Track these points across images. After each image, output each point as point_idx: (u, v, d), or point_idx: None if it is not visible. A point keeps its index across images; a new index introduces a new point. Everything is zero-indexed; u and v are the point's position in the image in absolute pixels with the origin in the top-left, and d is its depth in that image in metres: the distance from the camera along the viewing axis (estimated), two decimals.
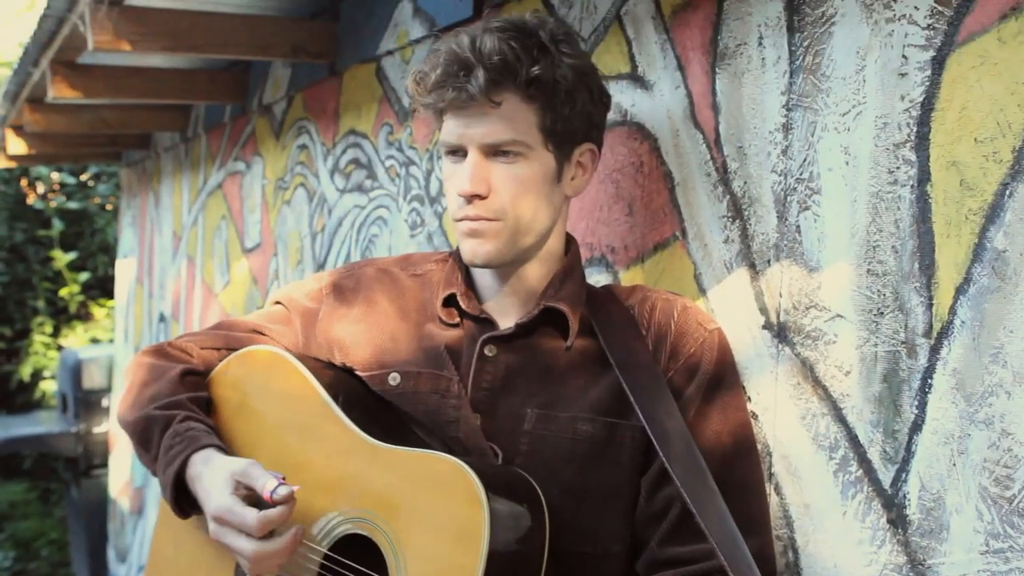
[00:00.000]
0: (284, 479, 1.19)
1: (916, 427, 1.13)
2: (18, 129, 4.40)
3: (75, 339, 7.15)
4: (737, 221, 1.39)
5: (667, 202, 1.52)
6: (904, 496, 1.15)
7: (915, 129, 1.13)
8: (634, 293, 1.39)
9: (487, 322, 1.36)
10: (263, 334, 1.47)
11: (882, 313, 1.17)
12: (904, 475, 1.15)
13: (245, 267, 3.44)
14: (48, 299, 7.11)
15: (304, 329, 1.46)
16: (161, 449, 1.31)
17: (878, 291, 1.18)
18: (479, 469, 1.16)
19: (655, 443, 1.21)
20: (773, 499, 1.32)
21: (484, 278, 1.38)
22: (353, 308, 1.44)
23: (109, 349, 6.16)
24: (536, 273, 1.36)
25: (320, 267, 2.82)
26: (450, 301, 1.39)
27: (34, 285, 7.06)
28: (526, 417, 1.30)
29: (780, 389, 1.32)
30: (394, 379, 1.35)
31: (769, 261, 1.34)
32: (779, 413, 1.32)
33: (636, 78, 1.59)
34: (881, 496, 1.18)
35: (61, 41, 2.84)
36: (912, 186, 1.14)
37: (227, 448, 1.33)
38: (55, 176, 7.36)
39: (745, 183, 1.38)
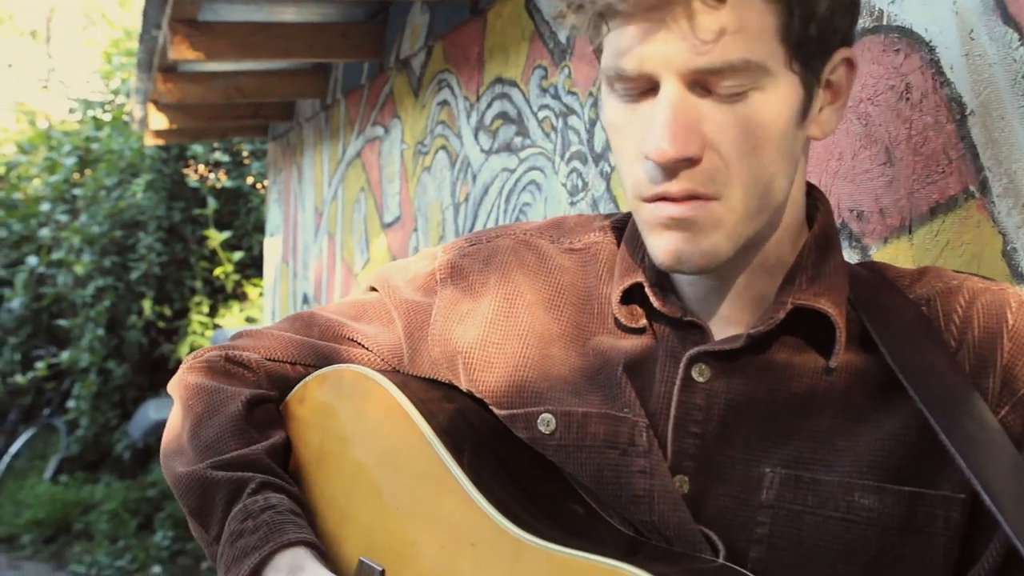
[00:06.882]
0: None
1: None
2: (157, 103, 4.19)
3: (231, 318, 7.06)
4: None
5: (953, 142, 1.02)
6: None
7: None
8: (924, 278, 0.89)
9: (693, 328, 0.88)
10: (358, 343, 1.03)
11: None
12: None
13: (384, 244, 3.08)
14: (205, 279, 7.04)
15: (410, 335, 1.00)
16: (226, 533, 0.91)
17: None
18: None
19: (1002, 521, 0.71)
20: None
21: None
22: (481, 302, 0.97)
23: None
24: (772, 254, 0.88)
25: None
26: (632, 295, 0.92)
27: (191, 265, 7.01)
28: (764, 481, 0.83)
29: None
30: (546, 423, 0.89)
31: None
32: None
33: None
34: None
35: None
36: None
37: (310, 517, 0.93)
38: (213, 155, 7.30)
39: None
